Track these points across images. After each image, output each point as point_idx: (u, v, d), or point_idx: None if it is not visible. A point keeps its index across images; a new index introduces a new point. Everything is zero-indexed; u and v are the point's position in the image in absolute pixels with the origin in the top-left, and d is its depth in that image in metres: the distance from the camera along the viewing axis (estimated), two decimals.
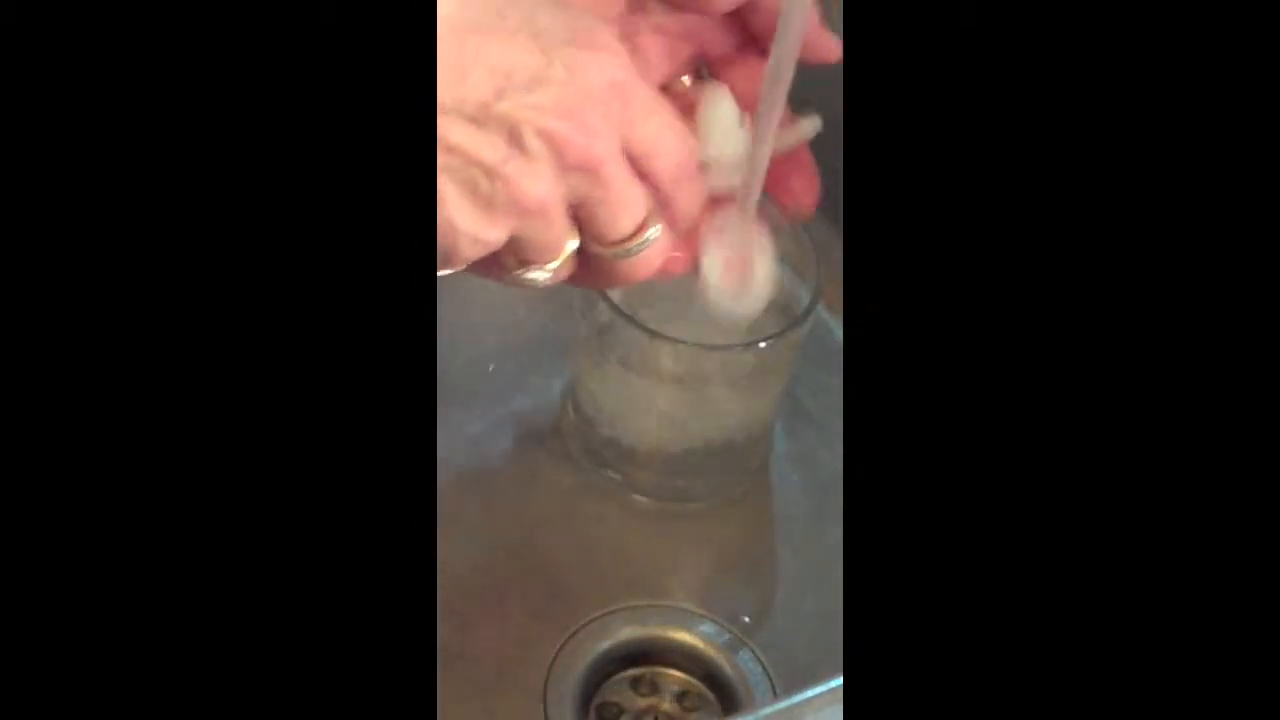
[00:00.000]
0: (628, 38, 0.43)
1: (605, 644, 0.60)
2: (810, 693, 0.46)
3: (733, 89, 0.45)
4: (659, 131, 0.41)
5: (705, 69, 0.46)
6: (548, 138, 0.39)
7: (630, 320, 0.57)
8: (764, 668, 0.60)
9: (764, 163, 0.44)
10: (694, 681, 0.60)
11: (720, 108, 0.44)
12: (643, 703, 0.59)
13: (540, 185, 0.39)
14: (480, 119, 0.38)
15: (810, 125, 0.45)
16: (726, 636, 0.61)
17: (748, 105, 0.44)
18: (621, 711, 0.59)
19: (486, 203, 0.39)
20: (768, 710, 0.54)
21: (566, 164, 0.40)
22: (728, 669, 0.60)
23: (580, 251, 0.42)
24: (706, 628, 0.61)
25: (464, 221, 0.39)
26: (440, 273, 0.40)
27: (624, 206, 0.41)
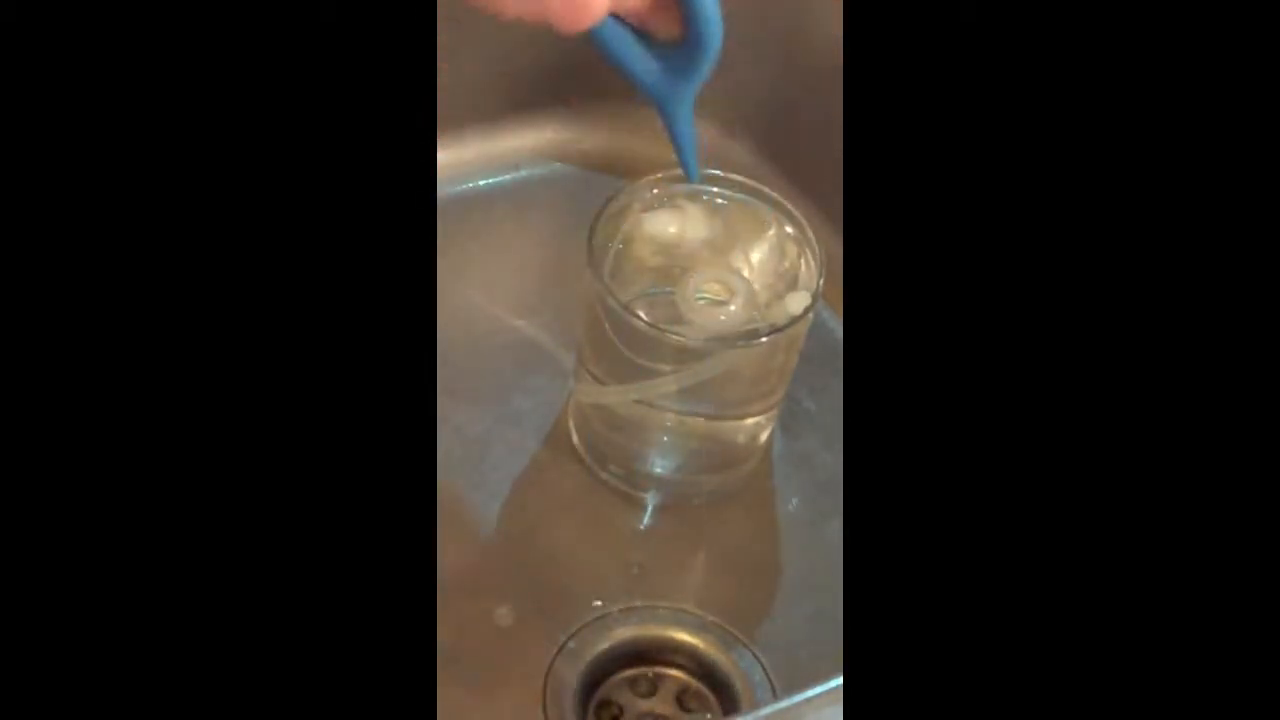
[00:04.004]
0: None
1: (605, 644, 0.60)
2: (810, 693, 0.46)
3: None
4: None
5: None
6: None
7: (632, 314, 0.57)
8: (764, 668, 0.60)
9: None
10: (693, 681, 0.60)
11: None
12: (642, 703, 0.59)
13: None
14: None
15: None
16: (726, 636, 0.61)
17: None
18: (621, 711, 0.59)
19: None
20: (768, 710, 0.54)
21: None
22: (728, 669, 0.60)
23: None
24: (706, 628, 0.61)
25: None
26: None
27: None
